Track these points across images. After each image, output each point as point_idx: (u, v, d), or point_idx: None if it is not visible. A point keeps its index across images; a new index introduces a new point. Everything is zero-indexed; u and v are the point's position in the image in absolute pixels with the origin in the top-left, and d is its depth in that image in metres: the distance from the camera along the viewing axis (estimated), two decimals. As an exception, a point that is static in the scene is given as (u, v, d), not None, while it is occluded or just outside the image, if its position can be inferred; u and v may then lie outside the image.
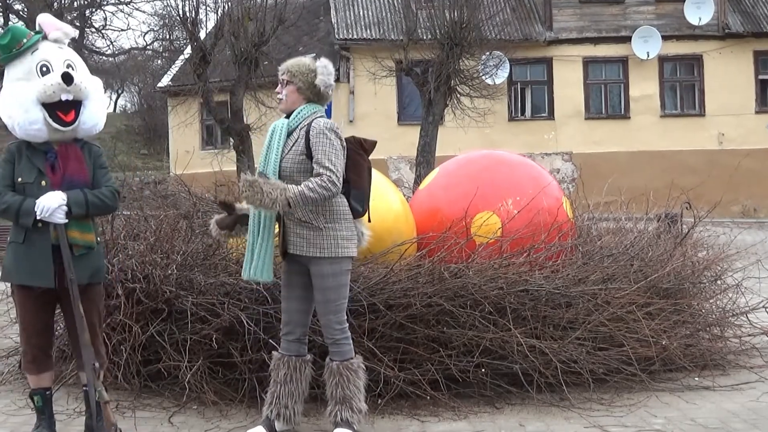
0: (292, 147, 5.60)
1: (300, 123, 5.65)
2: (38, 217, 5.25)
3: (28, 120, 5.36)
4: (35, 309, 5.47)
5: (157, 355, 6.58)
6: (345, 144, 5.68)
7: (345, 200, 5.65)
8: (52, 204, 5.26)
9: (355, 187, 5.70)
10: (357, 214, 5.74)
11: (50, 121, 5.36)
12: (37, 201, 5.27)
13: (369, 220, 5.89)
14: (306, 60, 5.79)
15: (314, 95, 5.70)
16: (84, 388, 5.71)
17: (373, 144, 5.89)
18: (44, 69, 5.46)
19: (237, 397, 6.38)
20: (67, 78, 5.39)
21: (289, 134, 5.66)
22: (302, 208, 5.49)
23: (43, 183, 5.37)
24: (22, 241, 5.35)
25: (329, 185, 5.42)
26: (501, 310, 6.56)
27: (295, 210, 5.47)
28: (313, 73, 5.66)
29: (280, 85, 5.75)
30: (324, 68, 5.68)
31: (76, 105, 5.44)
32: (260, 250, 5.55)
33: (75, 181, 5.44)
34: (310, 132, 5.56)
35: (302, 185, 5.41)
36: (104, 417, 5.39)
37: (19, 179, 5.37)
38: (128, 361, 6.55)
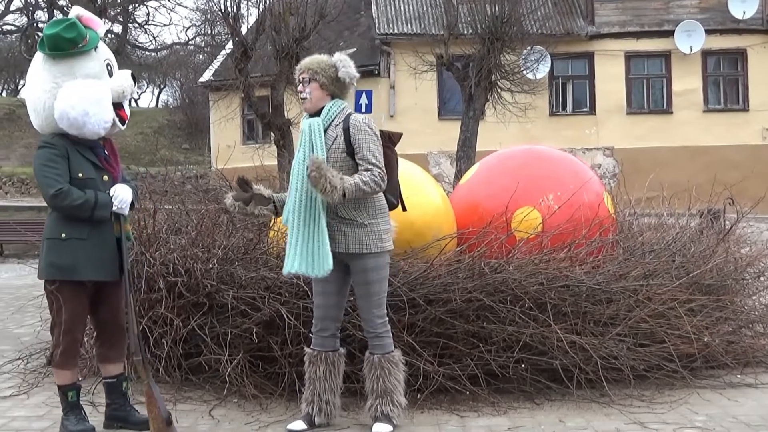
0: (331, 145, 5.59)
1: (333, 120, 5.65)
2: (114, 209, 5.40)
3: (103, 119, 5.47)
4: (83, 304, 5.54)
5: (198, 348, 6.62)
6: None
7: (382, 194, 5.69)
8: (127, 196, 5.46)
9: (389, 180, 5.71)
10: (392, 206, 5.81)
11: (116, 120, 5.50)
12: (114, 193, 5.43)
13: (404, 209, 5.96)
14: (323, 56, 5.79)
15: (339, 90, 5.72)
16: (105, 380, 5.79)
17: (400, 136, 5.92)
18: (109, 68, 5.61)
19: (277, 390, 6.40)
20: (134, 78, 5.63)
21: (324, 132, 5.64)
22: (350, 201, 5.49)
23: (105, 178, 5.51)
24: (86, 237, 5.41)
25: (380, 181, 5.50)
26: (541, 306, 6.54)
27: (349, 200, 5.45)
28: (333, 67, 5.67)
29: (301, 85, 5.72)
30: (345, 61, 5.68)
31: (123, 104, 5.60)
32: (315, 245, 5.47)
33: (120, 175, 5.61)
34: (351, 129, 5.57)
35: (357, 178, 5.43)
36: (160, 407, 5.37)
37: (80, 174, 5.43)
38: (169, 355, 6.61)
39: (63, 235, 5.42)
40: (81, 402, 5.73)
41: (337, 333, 5.84)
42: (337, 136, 5.61)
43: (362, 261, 5.62)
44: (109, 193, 5.45)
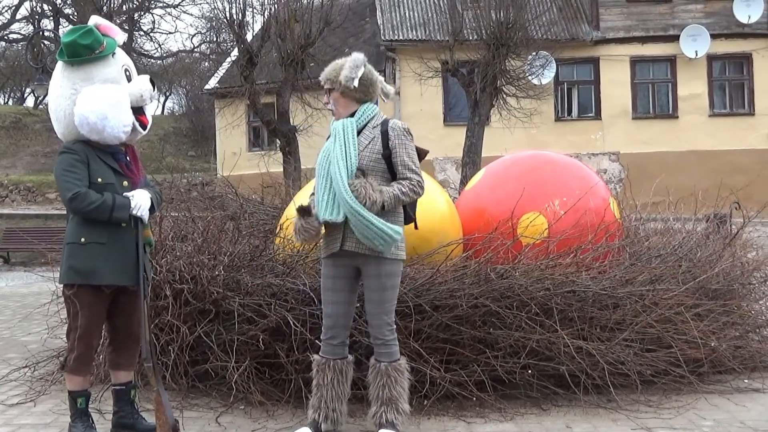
0: (367, 146, 5.54)
1: (368, 122, 5.61)
2: (132, 213, 5.41)
3: (122, 122, 5.48)
4: (100, 311, 5.54)
5: (204, 355, 6.62)
6: None
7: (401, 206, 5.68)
8: (145, 202, 5.47)
9: None
10: (409, 220, 5.78)
11: (137, 124, 5.52)
12: (133, 198, 5.44)
13: (416, 227, 5.93)
14: (339, 61, 5.75)
15: (362, 94, 5.65)
16: (114, 387, 5.79)
17: (426, 153, 5.84)
18: (127, 73, 5.64)
19: (283, 397, 6.40)
20: (153, 83, 5.64)
21: (359, 133, 5.60)
22: (392, 210, 5.50)
23: (125, 183, 5.54)
24: (105, 241, 5.43)
25: (419, 189, 5.53)
26: (548, 311, 6.53)
27: (388, 210, 5.43)
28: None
29: (326, 95, 5.70)
30: (353, 61, 5.64)
31: (143, 110, 5.63)
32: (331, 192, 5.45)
33: (141, 181, 5.62)
34: (390, 132, 5.56)
35: (395, 188, 5.45)
36: (168, 415, 5.39)
37: (99, 180, 5.45)
38: (176, 362, 6.61)
39: (83, 239, 5.43)
40: (88, 409, 5.73)
41: (346, 341, 5.79)
42: (374, 137, 5.57)
43: (380, 266, 5.55)
44: (127, 196, 5.48)
